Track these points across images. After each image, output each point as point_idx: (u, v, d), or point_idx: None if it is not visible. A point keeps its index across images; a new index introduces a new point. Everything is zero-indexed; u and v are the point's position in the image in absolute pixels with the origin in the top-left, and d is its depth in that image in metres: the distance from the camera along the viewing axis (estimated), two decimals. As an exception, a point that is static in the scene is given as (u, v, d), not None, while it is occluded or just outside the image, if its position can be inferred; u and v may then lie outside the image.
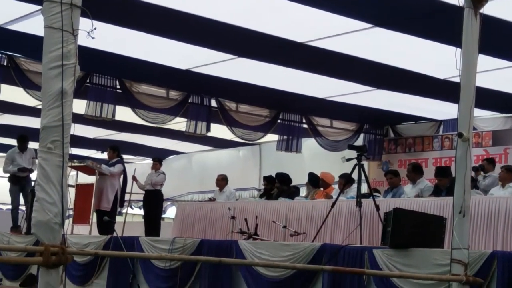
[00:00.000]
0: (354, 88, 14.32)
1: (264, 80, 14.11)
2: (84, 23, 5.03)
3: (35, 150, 14.36)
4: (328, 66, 12.92)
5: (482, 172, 13.07)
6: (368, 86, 14.30)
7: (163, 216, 22.91)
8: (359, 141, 17.53)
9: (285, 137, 17.11)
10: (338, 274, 8.98)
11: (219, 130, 16.83)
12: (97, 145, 20.77)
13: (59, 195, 4.67)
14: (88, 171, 15.45)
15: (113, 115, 14.26)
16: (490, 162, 13.54)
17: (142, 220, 16.97)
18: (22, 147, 15.24)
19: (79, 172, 16.15)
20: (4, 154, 16.15)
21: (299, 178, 15.65)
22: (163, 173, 16.42)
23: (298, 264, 9.29)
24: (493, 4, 7.71)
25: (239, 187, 19.37)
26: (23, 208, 16.10)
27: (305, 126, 17.20)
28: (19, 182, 15.19)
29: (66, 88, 4.79)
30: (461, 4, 7.16)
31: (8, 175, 15.58)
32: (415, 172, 12.69)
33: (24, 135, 15.63)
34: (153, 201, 16.28)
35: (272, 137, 17.63)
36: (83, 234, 14.61)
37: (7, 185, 15.73)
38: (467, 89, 7.28)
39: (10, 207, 23.23)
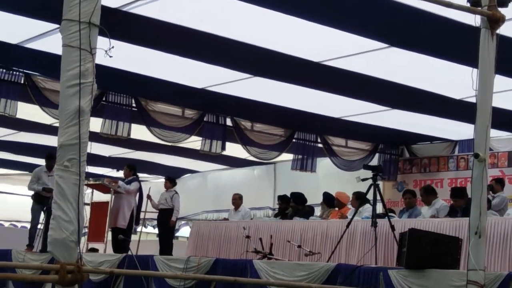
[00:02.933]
0: (370, 107, 14.31)
1: (279, 99, 14.13)
2: (101, 42, 5.06)
3: None
4: (344, 86, 12.92)
5: (491, 192, 12.94)
6: (383, 106, 14.29)
7: (177, 235, 22.94)
8: (374, 161, 17.49)
9: (300, 156, 17.10)
10: (353, 294, 8.94)
11: (234, 149, 16.85)
12: (112, 163, 20.83)
13: (75, 213, 4.68)
14: (103, 189, 15.49)
15: (129, 134, 14.31)
16: (498, 182, 13.40)
17: (156, 238, 16.97)
18: (50, 166, 15.14)
19: (94, 190, 16.17)
20: (18, 172, 16.21)
21: (313, 198, 15.62)
22: (176, 192, 16.41)
23: (313, 284, 9.25)
24: (510, 24, 7.70)
25: (253, 206, 19.36)
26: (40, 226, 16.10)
27: (320, 145, 17.18)
28: (43, 202, 15.11)
29: (84, 106, 4.82)
30: (477, 25, 7.16)
31: (32, 192, 15.53)
32: (428, 194, 12.65)
33: (52, 154, 15.62)
34: (167, 220, 16.27)
35: (287, 156, 17.62)
36: (98, 253, 14.61)
37: (21, 202, 15.75)
38: (483, 110, 7.25)
39: (24, 224, 23.42)
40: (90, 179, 15.93)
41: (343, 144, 17.45)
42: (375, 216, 11.04)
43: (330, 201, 14.26)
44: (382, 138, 17.39)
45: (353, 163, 17.28)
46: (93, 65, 4.91)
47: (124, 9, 9.85)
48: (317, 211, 15.46)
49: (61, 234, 4.67)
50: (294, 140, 16.79)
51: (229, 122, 15.83)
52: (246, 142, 16.07)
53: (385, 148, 18.00)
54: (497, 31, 7.31)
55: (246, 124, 16.04)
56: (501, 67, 7.50)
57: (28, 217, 15.62)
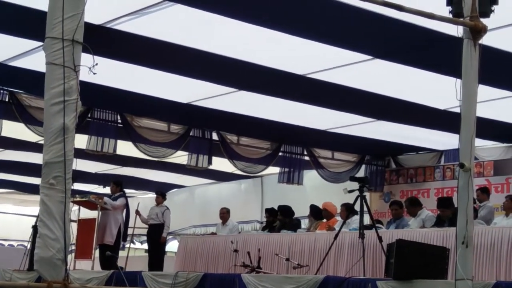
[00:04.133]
0: (355, 119, 14.36)
1: (265, 112, 14.15)
2: (85, 59, 5.06)
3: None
4: (329, 98, 12.96)
5: (477, 202, 12.89)
6: (369, 117, 14.33)
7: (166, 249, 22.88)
8: (361, 172, 17.54)
9: (286, 169, 17.12)
10: (342, 306, 8.95)
11: (220, 163, 16.86)
12: (99, 180, 20.79)
13: (62, 231, 4.66)
14: (90, 206, 15.45)
15: (114, 150, 14.30)
16: (484, 192, 13.33)
17: (145, 254, 16.92)
18: None
19: (80, 207, 16.12)
20: (4, 190, 16.10)
21: (301, 210, 15.62)
22: (167, 208, 16.41)
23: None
24: (492, 34, 7.74)
25: (241, 220, 19.35)
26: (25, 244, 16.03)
27: (306, 158, 17.22)
28: None
29: (68, 124, 4.81)
30: (460, 35, 7.19)
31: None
32: (413, 206, 12.69)
33: None
34: (157, 235, 16.25)
35: (273, 170, 17.64)
36: (85, 270, 14.55)
37: (8, 221, 15.68)
38: (467, 120, 7.28)
39: (12, 243, 23.32)
40: (77, 196, 15.85)
41: (329, 156, 17.48)
42: (362, 227, 11.06)
43: (317, 214, 14.27)
44: (368, 149, 17.43)
45: (340, 175, 17.30)
46: (77, 83, 4.91)
47: (108, 25, 9.85)
48: (304, 223, 15.47)
49: (48, 252, 4.65)
50: (280, 153, 16.82)
51: (215, 136, 15.85)
52: (232, 156, 16.08)
53: (372, 159, 18.05)
54: (480, 41, 7.35)
55: (232, 138, 16.05)
56: (484, 77, 7.54)
57: (16, 235, 15.57)
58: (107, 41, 10.07)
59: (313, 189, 18.32)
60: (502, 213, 12.06)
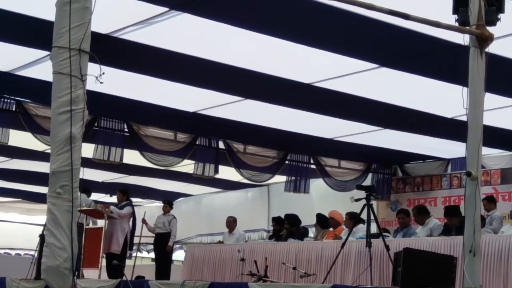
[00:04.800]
0: (362, 128, 14.35)
1: (271, 121, 14.15)
2: (92, 68, 5.08)
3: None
4: (335, 107, 12.95)
5: (486, 211, 12.84)
6: (375, 126, 14.31)
7: (172, 258, 22.88)
8: (367, 181, 17.49)
9: (293, 178, 17.10)
10: (349, 315, 8.93)
11: (227, 172, 16.85)
12: (105, 189, 20.82)
13: (69, 240, 4.67)
14: (97, 215, 15.46)
15: (121, 159, 14.33)
16: (490, 201, 13.24)
17: (152, 263, 16.93)
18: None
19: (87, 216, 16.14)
20: (11, 199, 16.15)
21: (308, 219, 15.63)
22: (174, 217, 16.44)
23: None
24: (498, 43, 7.74)
25: (248, 228, 19.36)
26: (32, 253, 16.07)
27: (313, 166, 17.20)
28: None
29: (75, 133, 4.82)
30: (466, 44, 7.20)
31: None
32: (421, 214, 12.65)
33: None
34: (164, 244, 16.27)
35: (280, 178, 17.62)
36: (92, 279, 14.55)
37: (15, 230, 15.69)
38: (474, 128, 7.28)
39: (19, 252, 23.34)
40: (84, 205, 15.87)
41: (336, 164, 17.46)
42: (369, 236, 11.04)
43: (323, 222, 14.25)
44: (375, 158, 17.41)
45: (346, 184, 17.27)
46: (84, 92, 4.92)
47: (115, 35, 9.87)
48: (311, 232, 15.45)
49: (55, 261, 4.66)
50: (287, 162, 16.80)
51: (221, 145, 15.84)
52: (239, 164, 16.07)
53: (378, 167, 18.02)
54: (486, 50, 7.35)
55: (239, 146, 16.05)
56: (491, 85, 7.54)
57: (23, 244, 15.59)
58: (114, 51, 10.09)
59: (319, 198, 18.30)
60: (510, 221, 12.02)
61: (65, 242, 4.68)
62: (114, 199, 16.71)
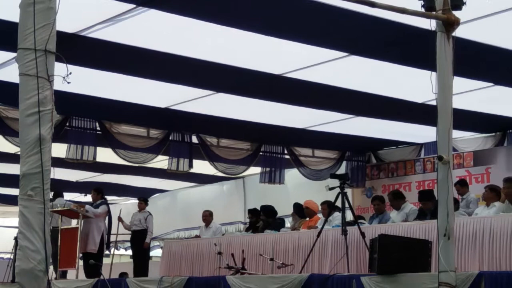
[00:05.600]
0: (334, 116, 14.40)
1: (243, 113, 14.15)
2: (60, 68, 5.04)
3: None
4: (307, 97, 12.97)
5: (460, 196, 12.86)
6: (347, 114, 14.37)
7: (151, 254, 22.85)
8: (342, 169, 17.56)
9: (267, 169, 17.12)
10: (328, 303, 8.97)
11: (201, 166, 16.84)
12: (80, 188, 20.70)
13: (42, 242, 4.64)
14: (72, 214, 15.40)
15: (94, 157, 14.27)
16: (463, 185, 13.26)
17: (130, 260, 16.89)
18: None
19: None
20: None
21: (284, 209, 15.66)
22: (150, 214, 16.43)
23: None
24: (465, 27, 7.79)
25: (224, 221, 19.37)
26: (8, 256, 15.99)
27: (287, 157, 17.23)
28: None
29: (44, 134, 4.79)
30: (433, 29, 7.23)
31: None
32: (396, 199, 12.73)
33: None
34: (140, 241, 16.24)
35: (255, 170, 17.64)
36: (70, 279, 14.52)
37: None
38: (444, 112, 7.33)
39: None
40: (58, 205, 15.80)
41: (310, 154, 17.50)
42: (344, 224, 11.08)
43: (301, 212, 14.29)
44: (349, 145, 17.48)
45: (321, 172, 17.32)
46: (52, 92, 4.89)
47: (82, 33, 9.81)
48: (288, 222, 15.48)
49: (29, 264, 4.63)
50: (261, 153, 16.82)
51: (195, 139, 15.82)
52: (213, 158, 16.06)
53: (352, 155, 18.09)
54: (453, 34, 7.39)
55: (212, 140, 16.04)
56: (461, 69, 7.59)
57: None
58: (82, 49, 10.06)
59: (295, 188, 18.33)
60: (483, 203, 12.09)
61: (38, 245, 4.65)
62: (89, 198, 16.62)
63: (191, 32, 9.91)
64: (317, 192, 15.54)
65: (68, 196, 21.25)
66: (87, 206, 15.12)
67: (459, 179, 13.50)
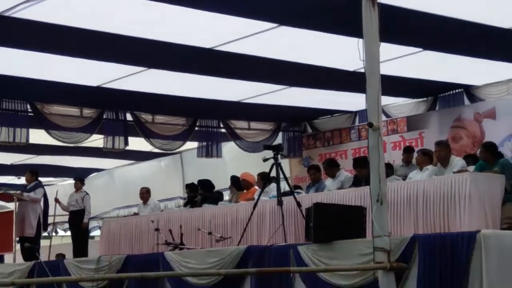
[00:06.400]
0: (268, 88, 14.42)
1: (177, 89, 14.10)
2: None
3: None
4: (239, 69, 12.96)
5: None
6: (280, 85, 14.40)
7: (92, 234, 22.72)
8: (279, 140, 17.64)
9: (204, 143, 17.14)
10: (265, 274, 9.00)
11: (138, 143, 16.74)
12: (16, 171, 20.45)
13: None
14: (6, 198, 15.21)
15: (27, 139, 14.09)
16: (409, 152, 13.64)
17: (71, 241, 16.76)
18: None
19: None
20: None
21: (223, 183, 15.67)
22: (87, 193, 16.29)
23: (222, 270, 9.32)
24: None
25: (164, 197, 19.36)
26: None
27: (223, 130, 17.25)
28: None
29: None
30: (359, -5, 7.28)
31: None
32: (331, 167, 12.84)
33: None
34: (79, 222, 16.11)
35: (192, 145, 17.62)
36: (7, 263, 14.37)
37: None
38: (372, 79, 7.41)
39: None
40: (-8, 189, 15.60)
41: (246, 126, 17.53)
42: (280, 194, 11.12)
43: (238, 184, 14.29)
44: (284, 116, 17.54)
45: (257, 144, 17.32)
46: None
47: (6, 14, 9.64)
48: (226, 195, 15.50)
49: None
50: (196, 128, 16.81)
51: (129, 117, 15.72)
52: (148, 135, 16.00)
53: (288, 126, 18.17)
54: (379, 0, 7.45)
55: (147, 117, 15.96)
56: (388, 36, 7.65)
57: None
58: (7, 30, 9.91)
59: (232, 161, 18.36)
60: (417, 167, 12.24)
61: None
62: (22, 180, 16.42)
63: (118, 8, 9.84)
64: (255, 165, 15.55)
65: (3, 179, 21.05)
66: (25, 194, 14.87)
67: (406, 146, 13.78)
